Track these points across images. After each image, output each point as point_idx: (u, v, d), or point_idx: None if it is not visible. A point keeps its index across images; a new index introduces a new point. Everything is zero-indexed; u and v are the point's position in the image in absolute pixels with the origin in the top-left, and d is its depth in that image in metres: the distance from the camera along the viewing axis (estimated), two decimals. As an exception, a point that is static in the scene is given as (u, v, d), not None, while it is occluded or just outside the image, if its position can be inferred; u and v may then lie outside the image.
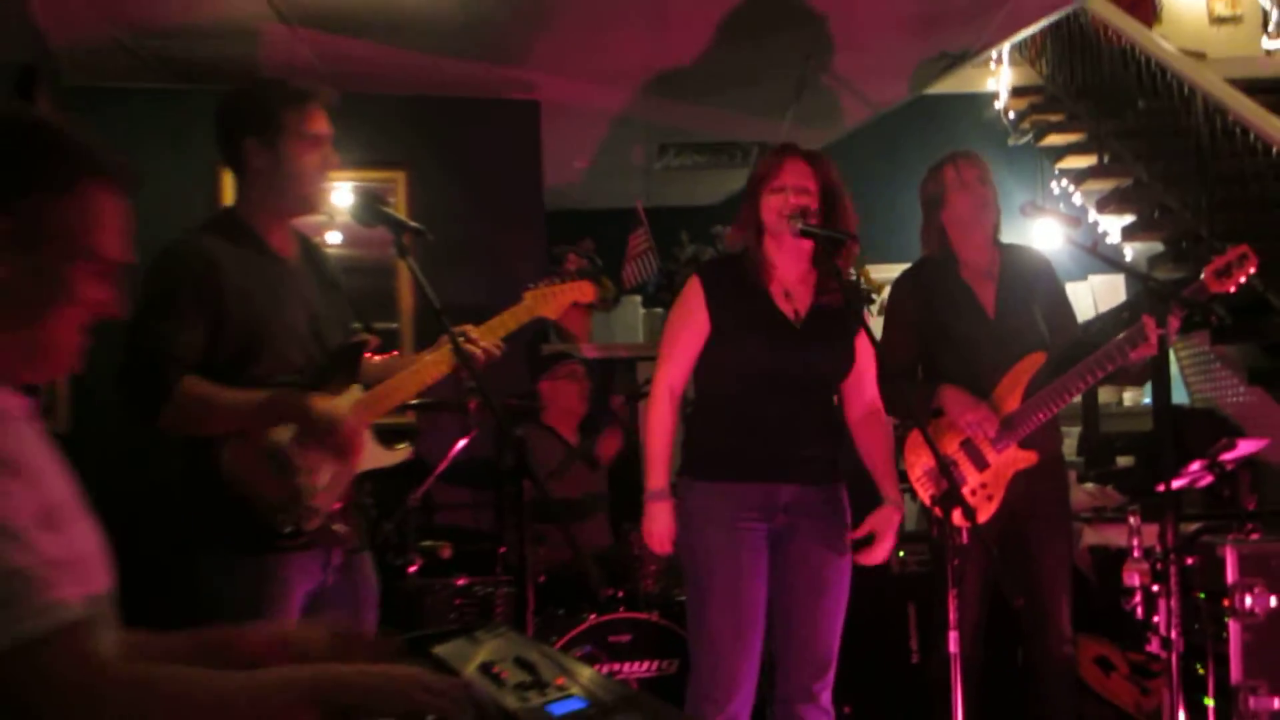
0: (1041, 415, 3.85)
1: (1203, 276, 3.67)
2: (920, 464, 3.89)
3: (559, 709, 1.60)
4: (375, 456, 3.02)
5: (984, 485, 3.85)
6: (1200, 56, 9.40)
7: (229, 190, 5.60)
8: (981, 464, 3.86)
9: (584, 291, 3.35)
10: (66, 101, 5.16)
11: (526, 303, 3.23)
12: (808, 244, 3.41)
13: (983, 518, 3.78)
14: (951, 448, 3.88)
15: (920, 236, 4.14)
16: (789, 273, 3.48)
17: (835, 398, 3.62)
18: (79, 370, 1.70)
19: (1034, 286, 4.04)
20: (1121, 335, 3.72)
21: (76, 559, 1.58)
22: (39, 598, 1.44)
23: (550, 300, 3.26)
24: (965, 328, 3.90)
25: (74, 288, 1.61)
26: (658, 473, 3.46)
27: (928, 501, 3.88)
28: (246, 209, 3.00)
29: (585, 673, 1.77)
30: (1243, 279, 3.67)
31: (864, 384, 3.60)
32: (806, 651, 3.45)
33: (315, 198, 2.99)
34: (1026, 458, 3.85)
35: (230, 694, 1.59)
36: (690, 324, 3.47)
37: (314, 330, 2.99)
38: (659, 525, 3.44)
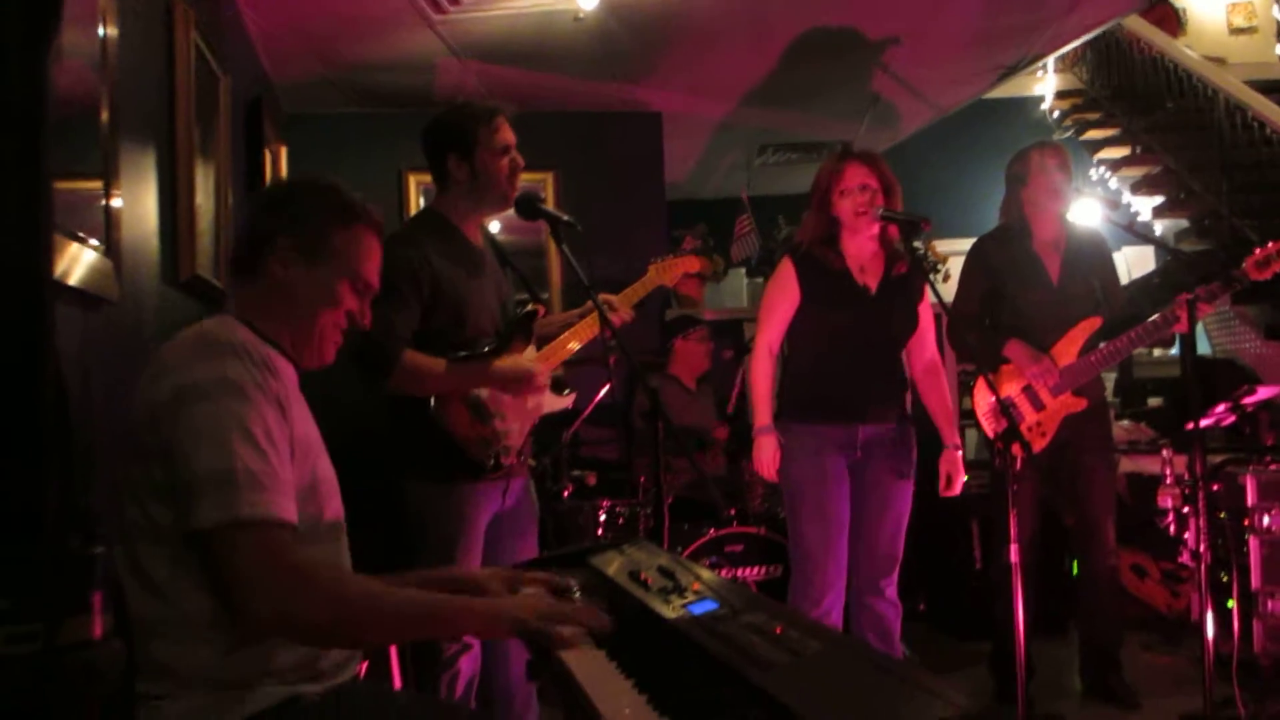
0: (1094, 370, 3.78)
1: (1244, 265, 3.60)
2: (985, 403, 3.83)
3: (697, 609, 1.59)
4: (550, 402, 3.12)
5: (1039, 423, 3.80)
6: (1221, 62, 8.99)
7: (411, 188, 5.75)
8: (1039, 405, 3.80)
9: (692, 264, 3.48)
10: (285, 126, 5.26)
11: (650, 274, 3.36)
12: (875, 229, 3.39)
13: (1036, 450, 3.72)
14: (1015, 390, 3.83)
15: (1000, 206, 4.05)
16: (862, 252, 3.46)
17: (902, 355, 3.59)
18: (332, 362, 1.86)
19: (1093, 261, 3.95)
20: (1164, 312, 3.65)
21: (317, 483, 1.65)
22: (257, 495, 1.51)
23: (668, 271, 3.38)
24: (1032, 291, 3.81)
25: (340, 297, 1.81)
26: (763, 413, 3.49)
27: (990, 435, 3.82)
28: (447, 208, 3.02)
29: (715, 579, 1.75)
30: (1278, 269, 3.57)
31: (925, 343, 3.59)
32: (874, 555, 3.47)
33: (509, 196, 2.98)
34: (1077, 403, 3.78)
35: (390, 600, 1.62)
36: (785, 296, 3.49)
37: (500, 302, 3.07)
38: (766, 454, 3.46)
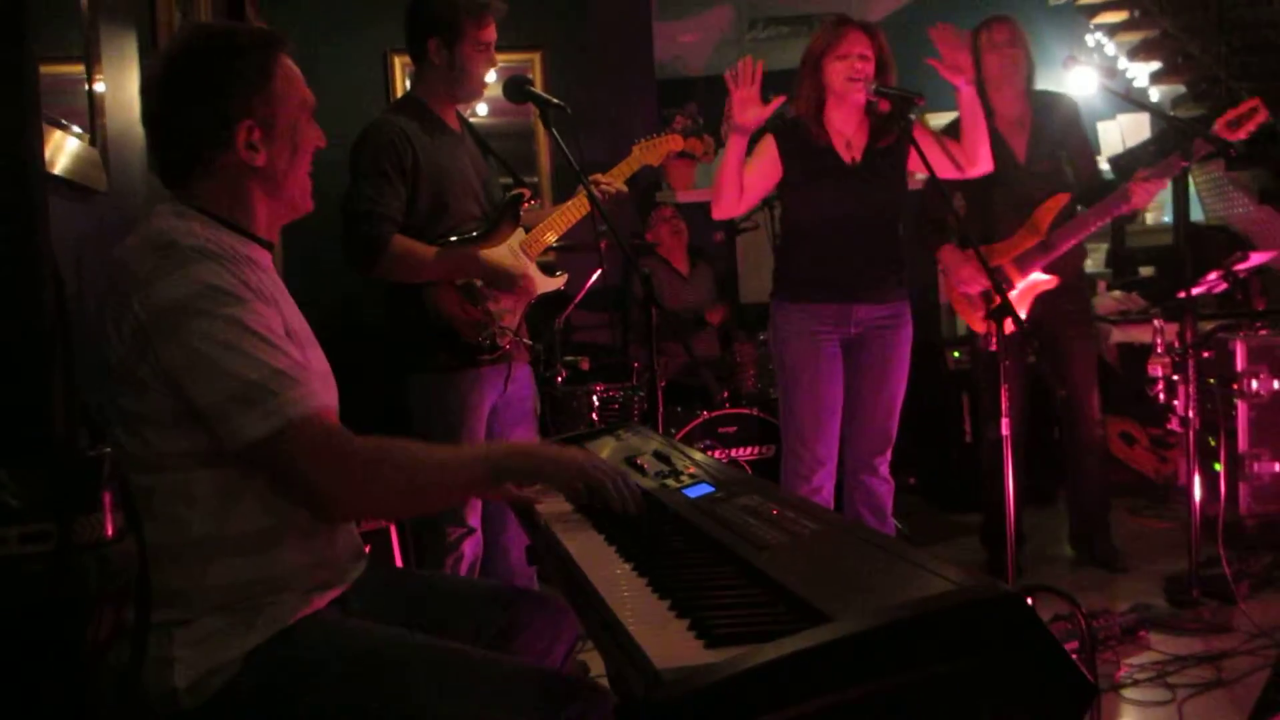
0: (1064, 246, 3.79)
1: (1215, 126, 3.53)
2: (961, 285, 3.84)
3: (693, 492, 1.62)
4: (542, 283, 3.15)
5: None
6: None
7: (397, 71, 5.63)
8: (1007, 285, 3.82)
9: (676, 142, 3.46)
10: (266, 5, 5.10)
11: (635, 154, 3.34)
12: (861, 99, 3.29)
13: (1009, 328, 3.73)
14: (980, 280, 3.83)
15: None
16: (847, 125, 3.39)
17: (898, 232, 3.52)
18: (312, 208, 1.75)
19: (1063, 133, 3.91)
20: (1122, 188, 3.64)
21: (315, 375, 1.64)
22: (295, 390, 1.49)
23: (651, 150, 3.37)
24: (998, 171, 3.75)
25: (306, 143, 1.70)
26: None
27: (962, 315, 3.89)
28: (425, 92, 3.03)
29: (709, 462, 1.78)
30: (1253, 128, 3.51)
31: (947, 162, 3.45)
32: (869, 434, 3.49)
33: (479, 91, 3.04)
34: (1048, 282, 3.79)
35: (445, 459, 1.66)
36: (760, 170, 3.38)
37: (483, 186, 3.07)
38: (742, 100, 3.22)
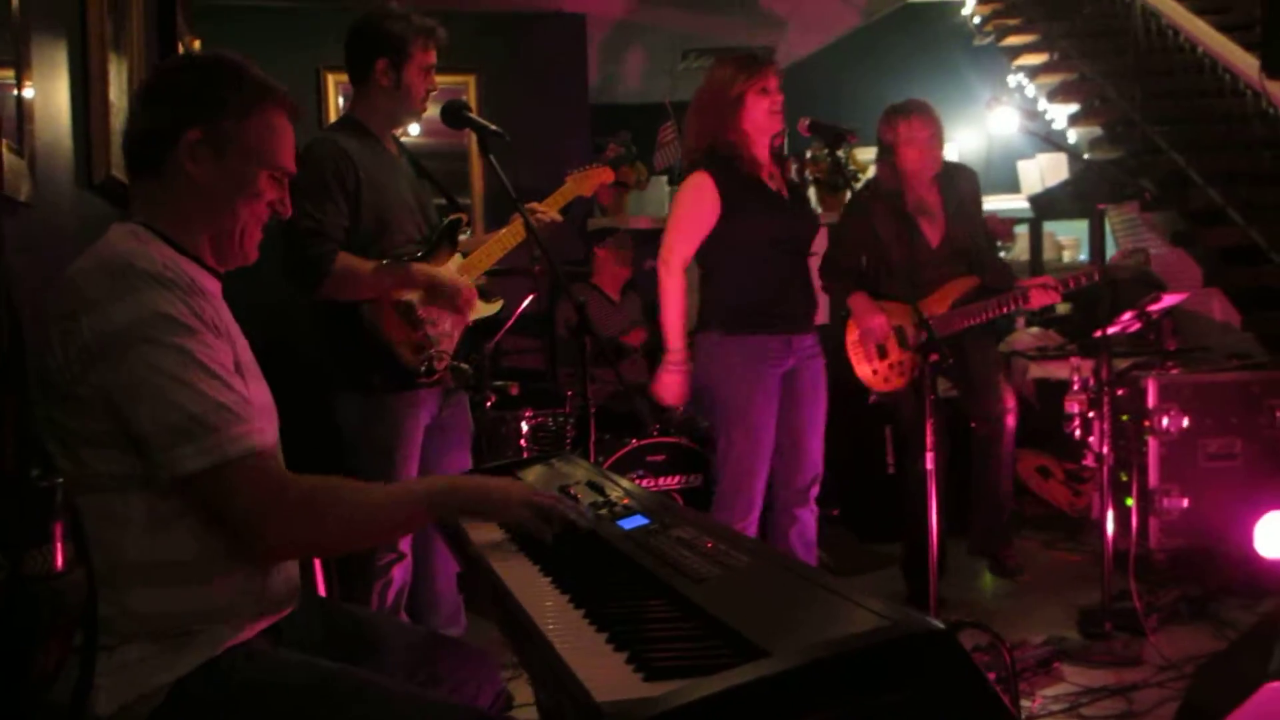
0: (958, 326, 3.96)
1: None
2: (855, 332, 4.00)
3: (627, 523, 1.63)
4: (480, 307, 3.15)
5: (900, 362, 3.97)
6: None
7: (330, 88, 5.59)
8: (905, 345, 3.96)
9: (607, 174, 3.50)
10: (199, 18, 5.04)
11: (569, 185, 3.37)
12: (771, 134, 3.38)
13: (902, 383, 3.95)
14: (889, 327, 3.97)
15: (876, 164, 4.10)
16: (763, 158, 3.42)
17: None
18: (256, 261, 1.74)
19: (967, 210, 4.10)
20: (1014, 293, 3.91)
21: (258, 409, 1.62)
22: (237, 428, 1.49)
23: (584, 181, 3.41)
24: (911, 254, 3.89)
25: (256, 187, 1.68)
26: (676, 337, 3.41)
27: (854, 365, 4.01)
28: (365, 113, 3.01)
29: (642, 493, 1.79)
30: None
31: None
32: (803, 466, 3.48)
33: (420, 113, 3.06)
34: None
35: (384, 499, 1.67)
36: (704, 209, 3.35)
37: (420, 208, 3.07)
38: (674, 383, 3.44)
